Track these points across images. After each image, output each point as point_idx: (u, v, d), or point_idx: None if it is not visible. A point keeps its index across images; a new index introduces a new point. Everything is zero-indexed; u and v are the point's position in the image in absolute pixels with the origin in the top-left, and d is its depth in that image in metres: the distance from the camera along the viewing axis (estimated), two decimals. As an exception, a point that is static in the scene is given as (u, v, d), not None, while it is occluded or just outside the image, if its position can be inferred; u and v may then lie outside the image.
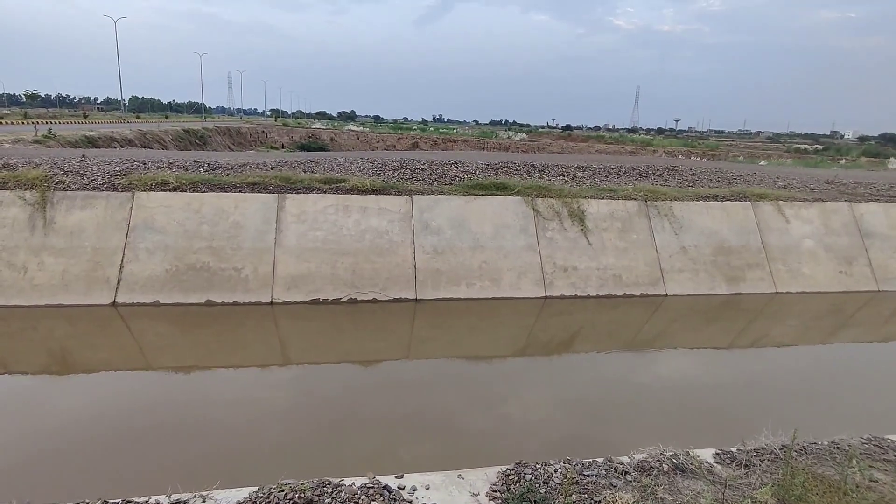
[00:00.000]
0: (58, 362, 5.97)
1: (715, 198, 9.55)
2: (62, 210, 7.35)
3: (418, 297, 7.56)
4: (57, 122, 36.14)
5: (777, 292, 8.76)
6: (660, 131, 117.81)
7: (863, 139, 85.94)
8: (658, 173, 10.96)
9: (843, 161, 29.11)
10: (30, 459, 4.10)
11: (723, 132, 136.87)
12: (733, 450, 2.93)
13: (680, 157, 30.44)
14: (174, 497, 2.60)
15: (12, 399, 5.19)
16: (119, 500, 2.59)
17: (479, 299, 7.70)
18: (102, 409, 4.98)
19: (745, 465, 2.73)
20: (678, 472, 2.64)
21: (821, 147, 50.97)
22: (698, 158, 28.89)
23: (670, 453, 2.80)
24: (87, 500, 2.66)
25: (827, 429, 3.48)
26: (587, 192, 9.10)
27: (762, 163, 23.00)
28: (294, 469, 3.86)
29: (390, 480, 2.70)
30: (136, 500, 2.59)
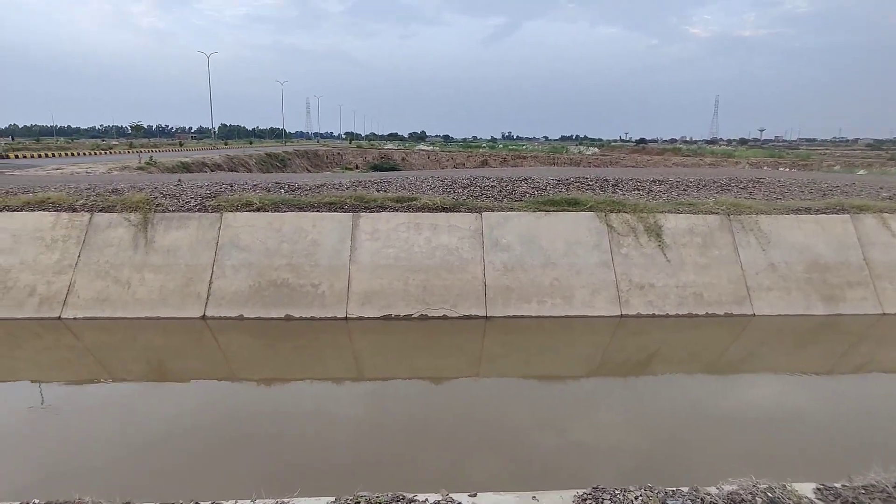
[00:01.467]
0: (154, 371, 6.45)
1: (807, 210, 8.86)
2: (160, 230, 8.00)
3: (488, 315, 7.52)
4: (157, 150, 39.57)
5: (884, 313, 7.95)
6: (742, 142, 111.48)
7: (984, 144, 76.89)
8: (742, 186, 10.35)
9: (960, 168, 26.16)
10: (127, 460, 4.43)
11: (814, 140, 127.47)
12: (837, 485, 2.63)
13: (766, 168, 28.62)
14: (258, 502, 2.71)
15: (116, 404, 5.65)
16: (209, 502, 2.74)
17: (550, 317, 7.55)
18: (192, 416, 5.31)
19: None
20: None
21: (931, 153, 46.09)
22: (787, 169, 27.05)
23: (764, 486, 2.56)
24: (181, 501, 2.82)
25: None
26: (664, 207, 8.74)
27: (861, 172, 21.14)
28: (368, 482, 3.92)
29: (463, 498, 2.66)
30: (223, 502, 2.72)
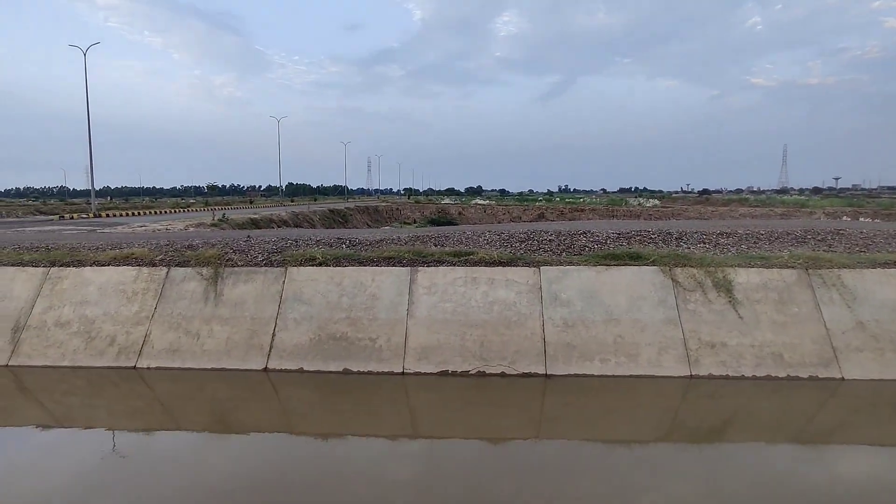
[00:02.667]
0: (218, 422, 6.59)
1: (897, 264, 8.16)
2: (229, 284, 8.37)
3: (548, 373, 7.26)
4: (229, 207, 42.22)
5: None
6: (816, 191, 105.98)
7: None
8: (819, 238, 9.73)
9: None
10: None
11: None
12: None
13: (845, 218, 26.93)
14: None
15: (179, 454, 5.79)
16: None
17: (614, 376, 7.19)
18: (249, 469, 5.33)
19: None
20: None
21: None
22: (868, 219, 25.32)
23: None
24: None
25: None
26: (733, 261, 8.31)
27: (957, 222, 19.46)
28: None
29: None
30: None
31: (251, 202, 62.70)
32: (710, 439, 6.14)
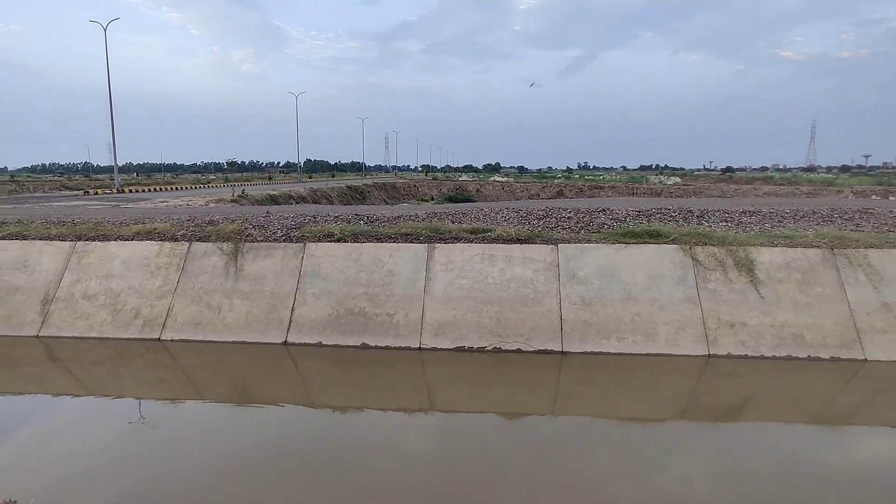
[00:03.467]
0: (239, 393, 6.76)
1: (928, 244, 7.93)
2: (249, 259, 8.49)
3: (564, 350, 7.27)
4: (249, 183, 42.58)
5: None
6: (844, 169, 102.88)
7: None
8: (846, 217, 9.49)
9: None
10: (199, 477, 4.63)
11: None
12: None
13: (874, 196, 26.14)
14: None
15: (201, 423, 5.97)
16: None
17: (631, 354, 7.18)
18: (268, 439, 5.49)
19: None
20: None
21: None
22: (899, 198, 24.54)
23: None
24: None
25: None
26: (756, 240, 8.15)
27: None
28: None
29: None
30: None
31: (270, 178, 63.12)
32: (726, 418, 6.12)
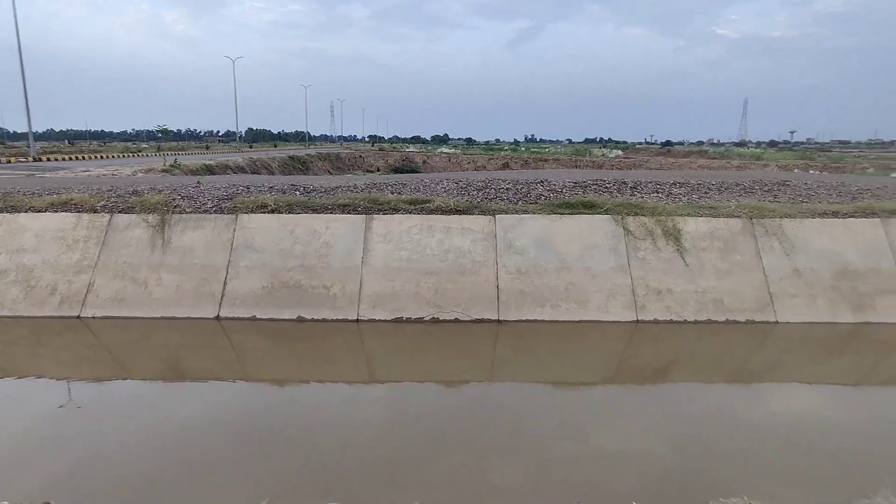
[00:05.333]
0: (170, 370, 6.52)
1: (835, 214, 8.53)
2: (177, 231, 8.10)
3: (501, 319, 7.42)
4: (184, 153, 40.46)
5: (917, 322, 7.58)
6: (772, 144, 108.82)
7: None
8: (766, 189, 10.04)
9: None
10: (130, 459, 4.46)
11: (848, 143, 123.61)
12: None
13: (796, 170, 27.84)
14: None
15: (130, 401, 5.72)
16: None
17: (564, 322, 7.41)
18: (202, 415, 5.33)
19: None
20: None
21: (974, 156, 44.28)
22: (817, 172, 26.26)
23: None
24: None
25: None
26: (683, 210, 8.51)
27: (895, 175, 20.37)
28: (375, 486, 3.88)
29: None
30: None
31: (207, 148, 60.18)
32: (654, 380, 6.45)
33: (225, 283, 7.68)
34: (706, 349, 7.15)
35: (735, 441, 4.86)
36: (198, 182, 10.15)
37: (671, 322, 7.47)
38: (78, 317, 7.42)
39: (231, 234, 8.07)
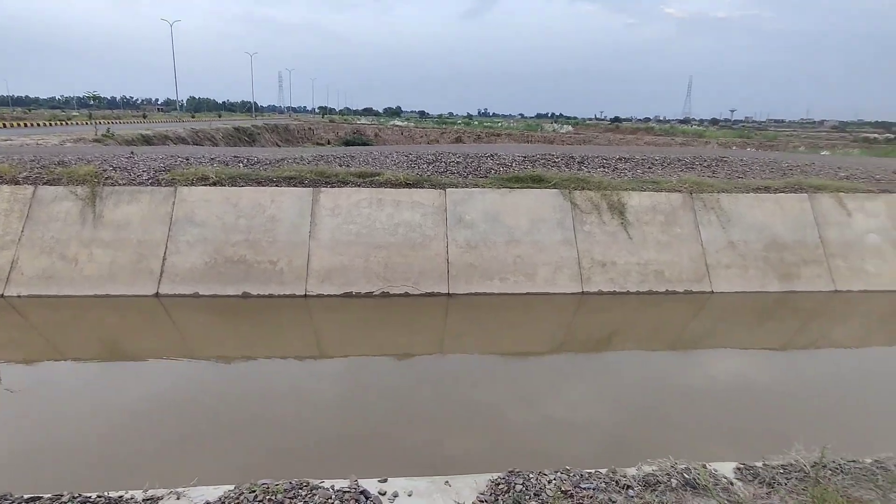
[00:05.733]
0: (107, 350, 6.22)
1: (767, 189, 8.99)
2: (110, 204, 7.66)
3: (451, 292, 7.46)
4: (119, 121, 38.11)
5: (836, 290, 8.17)
6: (714, 122, 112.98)
7: (940, 126, 79.55)
8: (706, 164, 10.44)
9: (916, 150, 26.98)
10: (68, 443, 4.26)
11: (783, 122, 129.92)
12: (758, 464, 2.64)
13: (733, 147, 29.06)
14: (150, 493, 2.59)
15: (63, 383, 5.44)
16: (93, 494, 2.60)
17: (512, 294, 7.54)
18: (143, 395, 5.14)
19: (769, 484, 2.44)
20: (688, 489, 2.39)
21: (892, 136, 47.49)
22: (754, 149, 27.50)
23: (682, 466, 2.56)
24: (63, 493, 2.65)
25: (877, 444, 3.15)
26: (628, 185, 8.75)
27: (824, 153, 21.64)
28: (325, 461, 3.86)
29: (372, 484, 2.59)
30: (110, 494, 2.59)
31: (144, 117, 56.88)
32: (598, 349, 6.70)
33: (164, 258, 7.36)
34: (647, 319, 7.46)
35: (669, 404, 5.14)
36: (131, 153, 9.59)
37: (614, 293, 7.73)
38: (1, 296, 6.96)
39: (170, 207, 7.70)
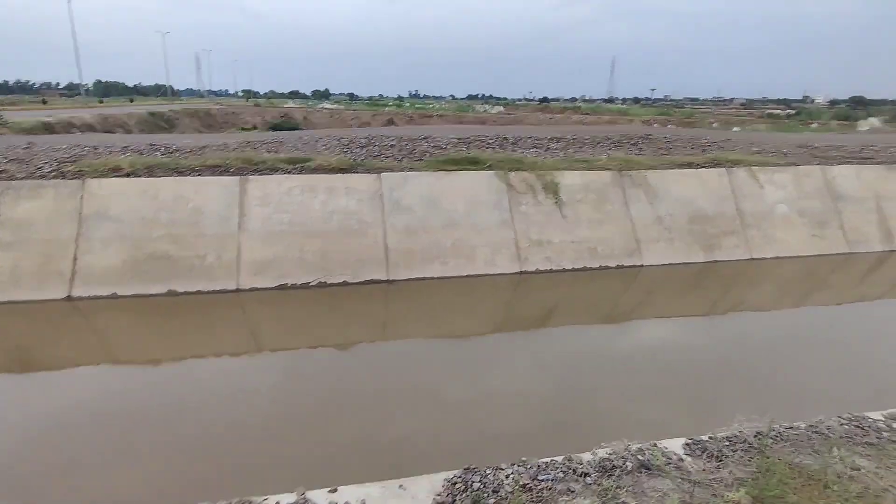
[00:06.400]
0: (16, 361, 5.66)
1: (690, 165, 9.43)
2: (8, 201, 6.93)
3: (391, 278, 7.35)
4: (14, 107, 34.60)
5: (752, 258, 8.75)
6: (636, 100, 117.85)
7: (833, 103, 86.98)
8: (632, 142, 10.81)
9: (814, 125, 29.33)
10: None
11: (697, 99, 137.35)
12: (705, 438, 2.77)
13: (655, 125, 30.36)
14: None
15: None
16: None
17: (453, 277, 7.53)
18: (62, 406, 4.71)
19: (717, 458, 2.57)
20: (643, 471, 2.47)
21: (793, 112, 51.39)
22: (674, 126, 28.86)
23: (636, 448, 2.63)
24: None
25: (808, 404, 3.39)
26: (561, 165, 8.91)
27: (735, 129, 23.05)
28: (255, 478, 3.69)
29: (321, 496, 2.46)
30: None
31: (44, 102, 51.89)
32: (537, 325, 6.83)
33: (75, 258, 6.76)
34: (583, 294, 7.69)
35: (611, 371, 5.34)
36: (29, 143, 8.68)
37: (551, 271, 7.89)
38: None
39: (78, 202, 7.06)
